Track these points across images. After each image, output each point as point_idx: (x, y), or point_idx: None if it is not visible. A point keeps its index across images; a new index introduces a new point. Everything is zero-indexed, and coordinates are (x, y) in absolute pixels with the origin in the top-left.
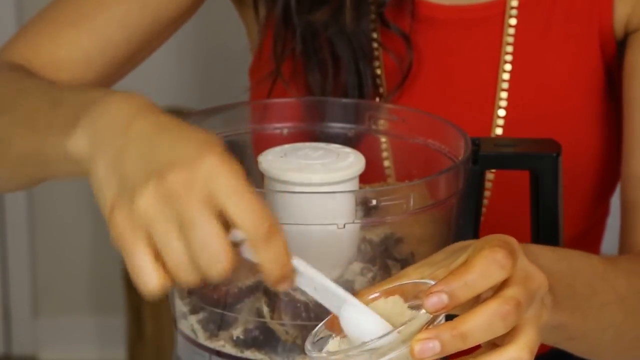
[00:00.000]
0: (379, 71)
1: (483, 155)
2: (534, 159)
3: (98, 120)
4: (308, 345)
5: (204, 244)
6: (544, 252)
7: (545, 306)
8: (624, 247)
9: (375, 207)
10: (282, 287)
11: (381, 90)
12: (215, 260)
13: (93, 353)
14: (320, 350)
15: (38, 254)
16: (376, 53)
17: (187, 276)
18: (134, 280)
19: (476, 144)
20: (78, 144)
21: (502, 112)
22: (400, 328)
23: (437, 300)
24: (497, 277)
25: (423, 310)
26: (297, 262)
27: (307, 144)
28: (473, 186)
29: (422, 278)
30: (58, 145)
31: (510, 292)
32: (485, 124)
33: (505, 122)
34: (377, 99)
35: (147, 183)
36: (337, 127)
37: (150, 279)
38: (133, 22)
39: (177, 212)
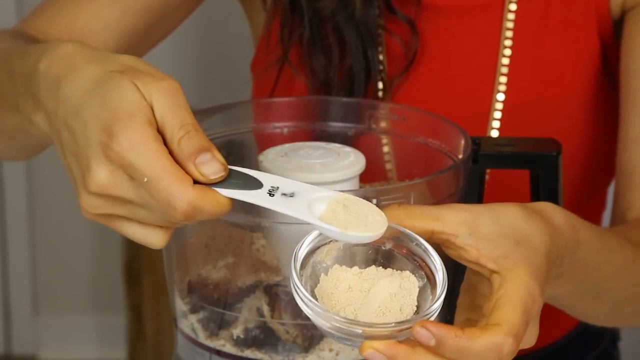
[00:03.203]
0: (381, 57)
1: (483, 155)
2: (534, 158)
3: (41, 93)
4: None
5: (156, 190)
6: (591, 242)
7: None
8: (617, 209)
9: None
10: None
11: (384, 75)
12: (176, 196)
13: (93, 352)
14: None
15: (38, 253)
16: (379, 39)
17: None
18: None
19: (476, 143)
20: (43, 123)
21: (501, 97)
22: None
23: (426, 337)
24: None
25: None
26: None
27: (308, 143)
28: (473, 185)
29: (455, 234)
30: (35, 126)
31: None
32: (484, 108)
33: (504, 107)
34: (381, 84)
35: (92, 160)
36: (337, 126)
37: (150, 242)
38: None
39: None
